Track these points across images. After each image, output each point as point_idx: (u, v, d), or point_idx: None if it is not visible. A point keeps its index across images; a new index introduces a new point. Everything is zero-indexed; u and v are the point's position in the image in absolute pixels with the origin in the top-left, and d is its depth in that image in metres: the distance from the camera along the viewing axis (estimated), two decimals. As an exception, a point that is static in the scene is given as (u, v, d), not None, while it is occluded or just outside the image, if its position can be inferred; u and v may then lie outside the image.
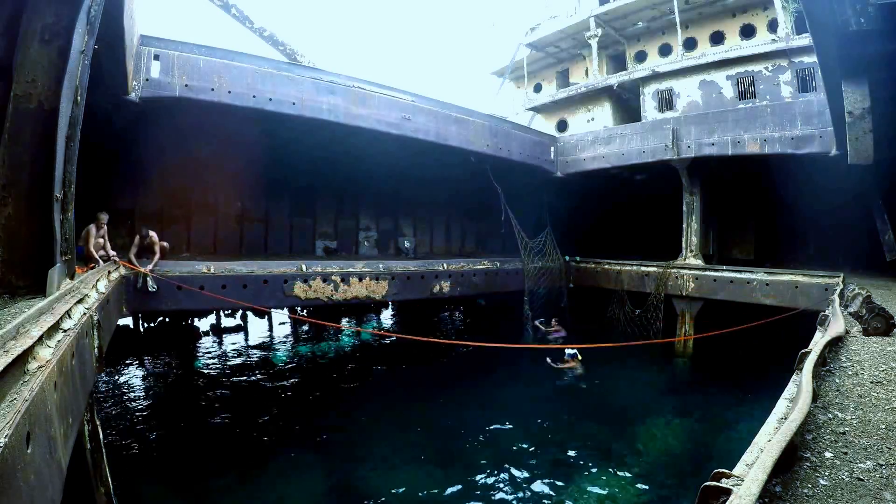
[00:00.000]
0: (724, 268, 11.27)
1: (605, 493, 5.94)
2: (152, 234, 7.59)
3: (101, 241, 6.53)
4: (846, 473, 1.50)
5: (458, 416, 8.39)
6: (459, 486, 6.11)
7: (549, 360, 10.47)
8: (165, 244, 8.07)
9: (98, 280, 4.93)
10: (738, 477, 1.35)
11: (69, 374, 2.65)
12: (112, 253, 6.75)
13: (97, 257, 6.31)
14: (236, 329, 15.24)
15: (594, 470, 6.52)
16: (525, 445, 7.29)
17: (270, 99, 8.51)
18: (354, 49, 71.23)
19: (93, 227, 6.42)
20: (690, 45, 16.68)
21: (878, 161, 6.43)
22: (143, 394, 9.75)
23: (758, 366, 10.03)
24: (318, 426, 7.89)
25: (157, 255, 7.46)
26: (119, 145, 9.27)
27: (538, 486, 6.14)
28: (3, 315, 2.58)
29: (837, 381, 2.55)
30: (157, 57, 7.49)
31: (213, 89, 7.96)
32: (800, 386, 2.13)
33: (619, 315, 13.00)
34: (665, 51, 17.59)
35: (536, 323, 12.97)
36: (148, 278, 7.02)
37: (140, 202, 10.45)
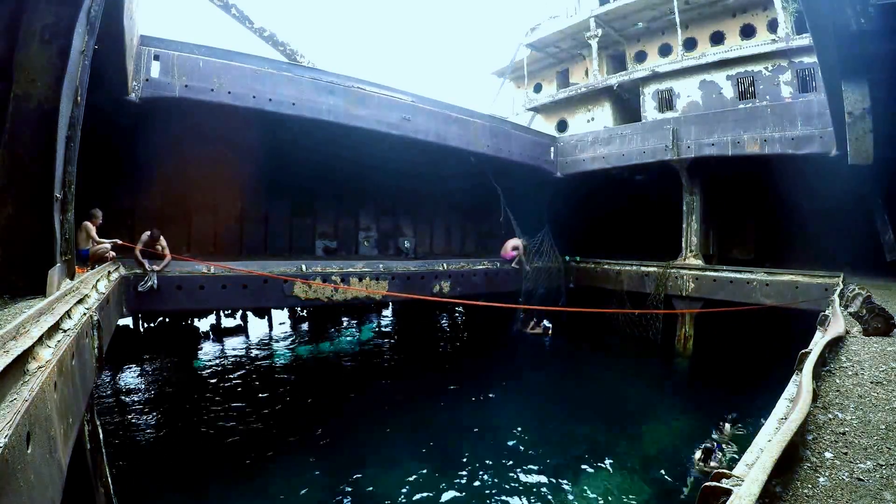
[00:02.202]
0: (724, 268, 11.28)
1: (604, 493, 5.94)
2: (163, 239, 7.53)
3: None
4: (846, 473, 1.50)
5: (458, 417, 8.39)
6: (460, 488, 6.12)
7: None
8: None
9: (98, 280, 4.93)
10: (738, 477, 1.35)
11: (69, 375, 2.65)
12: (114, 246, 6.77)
13: (104, 255, 6.31)
14: (236, 329, 15.23)
15: (594, 470, 6.52)
16: (525, 447, 7.29)
17: (270, 99, 8.51)
18: (354, 49, 71.31)
19: (90, 224, 6.42)
20: (690, 45, 16.67)
21: (878, 161, 6.45)
22: (143, 394, 9.74)
23: (758, 366, 10.02)
24: (317, 427, 7.88)
25: (168, 258, 7.47)
26: (119, 145, 9.28)
27: (538, 487, 6.14)
28: (3, 315, 2.58)
29: (837, 381, 2.54)
30: (156, 57, 7.49)
31: (212, 90, 7.96)
32: (800, 386, 2.13)
33: (619, 315, 13.02)
34: (665, 51, 17.58)
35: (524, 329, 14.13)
36: (152, 276, 7.01)
37: (140, 202, 10.45)
